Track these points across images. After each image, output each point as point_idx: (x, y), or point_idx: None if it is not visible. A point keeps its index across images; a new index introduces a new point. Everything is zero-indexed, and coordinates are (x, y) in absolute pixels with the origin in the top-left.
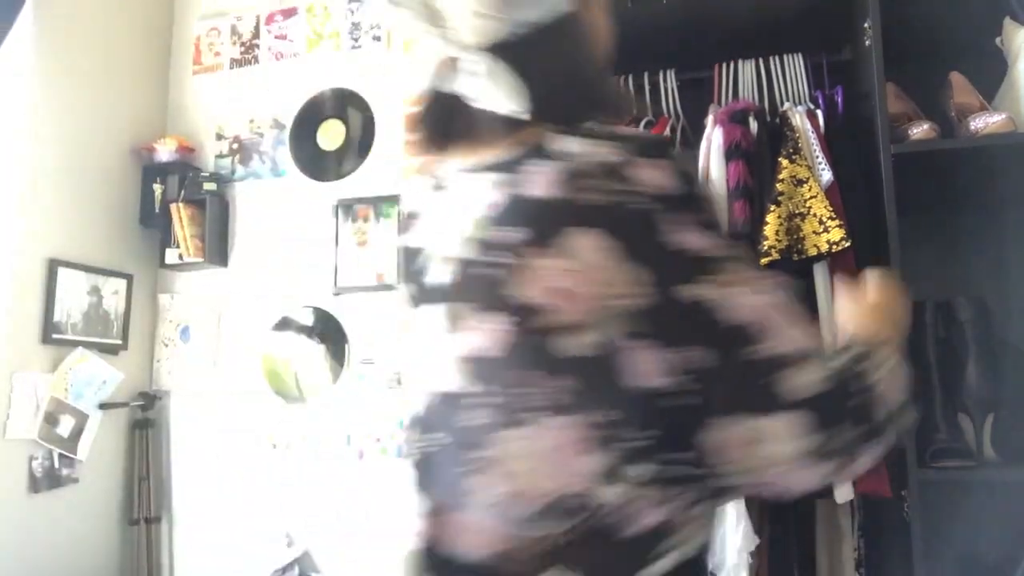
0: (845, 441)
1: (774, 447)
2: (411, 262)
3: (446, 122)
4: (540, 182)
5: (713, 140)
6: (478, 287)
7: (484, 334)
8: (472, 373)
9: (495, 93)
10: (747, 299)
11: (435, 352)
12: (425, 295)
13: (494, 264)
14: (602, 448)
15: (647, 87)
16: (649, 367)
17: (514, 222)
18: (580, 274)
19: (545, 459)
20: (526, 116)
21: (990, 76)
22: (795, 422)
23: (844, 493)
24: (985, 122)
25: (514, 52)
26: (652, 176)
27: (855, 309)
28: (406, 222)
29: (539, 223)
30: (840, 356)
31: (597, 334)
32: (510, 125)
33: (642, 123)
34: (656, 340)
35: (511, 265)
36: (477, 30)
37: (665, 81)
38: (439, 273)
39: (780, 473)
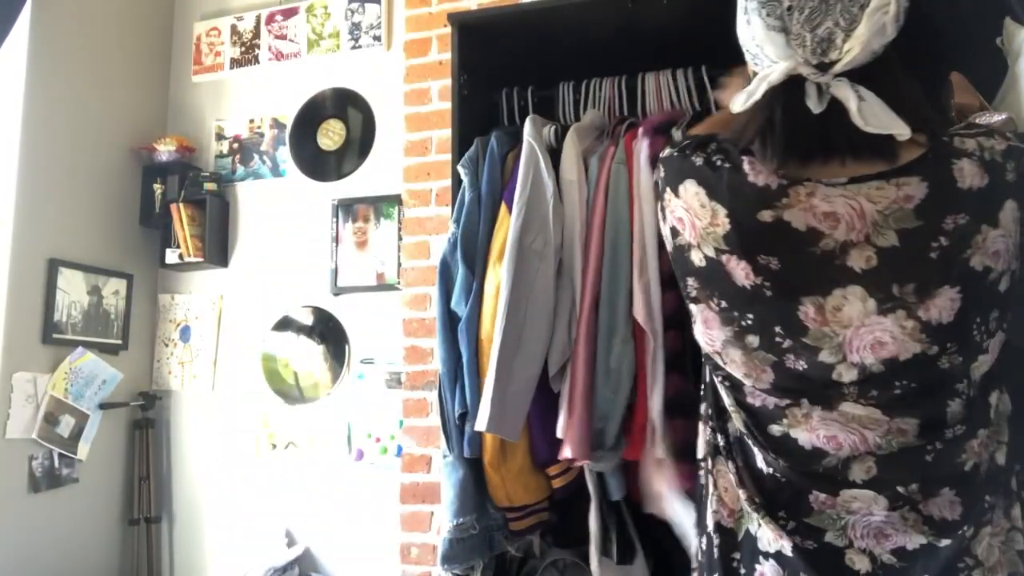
0: None
1: None
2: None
3: (817, 138)
4: (969, 173)
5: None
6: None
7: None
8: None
9: (876, 114)
10: None
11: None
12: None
13: (955, 243)
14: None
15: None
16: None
17: (955, 209)
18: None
19: None
20: (907, 134)
21: (990, 76)
22: None
23: None
24: (985, 122)
25: (866, 79)
26: None
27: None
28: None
29: (979, 207)
30: None
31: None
32: (890, 140)
33: (625, 123)
34: None
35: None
36: (861, 57)
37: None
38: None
39: None
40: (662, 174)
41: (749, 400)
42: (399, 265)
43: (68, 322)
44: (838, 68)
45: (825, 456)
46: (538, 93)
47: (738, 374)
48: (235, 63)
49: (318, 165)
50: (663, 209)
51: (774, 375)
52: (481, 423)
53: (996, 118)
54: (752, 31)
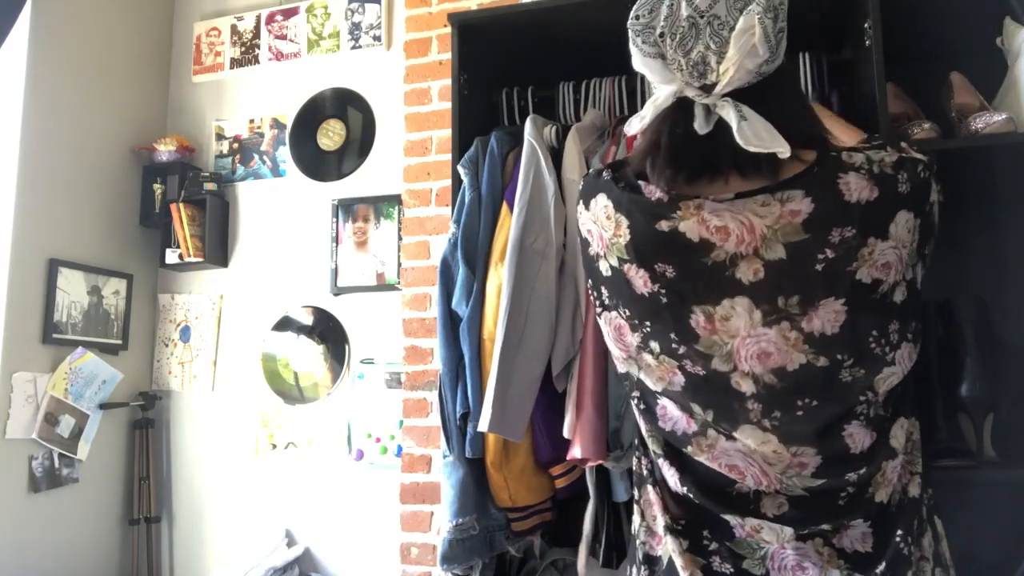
0: None
1: None
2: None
3: (701, 158)
4: (856, 187)
5: None
6: (825, 275)
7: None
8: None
9: (756, 132)
10: None
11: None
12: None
13: (840, 256)
14: None
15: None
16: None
17: (842, 223)
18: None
19: None
20: (787, 152)
21: (990, 76)
22: None
23: None
24: (985, 122)
25: (752, 99)
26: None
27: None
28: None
29: (867, 220)
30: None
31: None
32: (772, 158)
33: (626, 123)
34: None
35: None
36: (740, 76)
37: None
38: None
39: None
40: (579, 190)
41: (661, 424)
42: (399, 265)
43: (68, 322)
44: (719, 89)
45: (733, 483)
46: (538, 93)
47: (651, 380)
48: (235, 63)
49: (318, 165)
50: (579, 223)
51: (683, 378)
52: (484, 423)
53: (996, 118)
54: (634, 59)
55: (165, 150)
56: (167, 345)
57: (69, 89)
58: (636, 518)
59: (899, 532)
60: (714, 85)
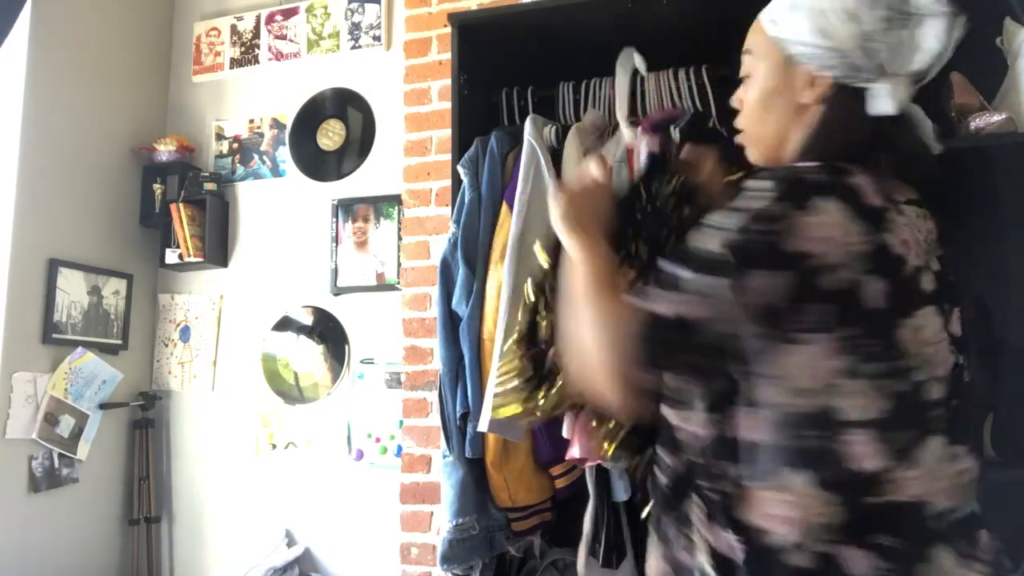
0: None
1: None
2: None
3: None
4: None
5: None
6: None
7: None
8: None
9: (928, 131)
10: None
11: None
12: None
13: None
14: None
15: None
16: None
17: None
18: None
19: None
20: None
21: (990, 76)
22: None
23: None
24: (985, 122)
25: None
26: None
27: None
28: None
29: None
30: None
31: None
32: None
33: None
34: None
35: None
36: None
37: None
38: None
39: None
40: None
41: (843, 457)
42: (399, 265)
43: (68, 322)
44: (922, 78)
45: (921, 508)
46: (538, 93)
47: (853, 407)
48: (235, 63)
49: (318, 165)
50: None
51: (881, 403)
52: (484, 424)
53: (996, 117)
54: (937, 35)
55: (165, 150)
56: (167, 345)
57: (69, 89)
58: None
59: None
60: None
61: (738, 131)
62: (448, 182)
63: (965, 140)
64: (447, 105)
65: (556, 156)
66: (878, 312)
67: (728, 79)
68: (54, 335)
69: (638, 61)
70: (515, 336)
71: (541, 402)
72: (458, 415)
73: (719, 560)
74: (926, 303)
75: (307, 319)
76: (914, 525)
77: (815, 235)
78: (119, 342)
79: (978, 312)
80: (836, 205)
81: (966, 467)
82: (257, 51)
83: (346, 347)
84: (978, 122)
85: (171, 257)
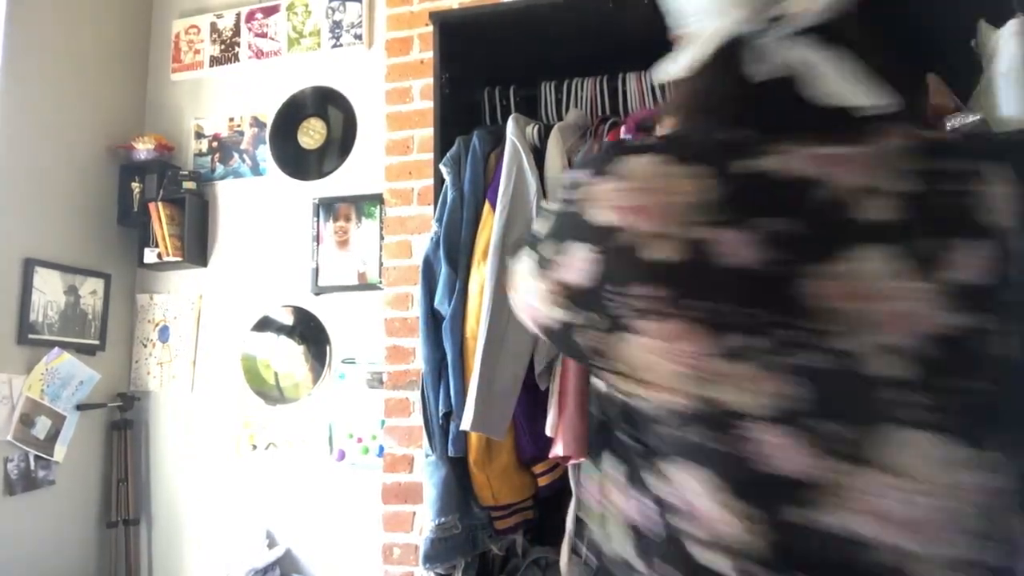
0: None
1: None
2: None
3: (773, 113)
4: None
5: None
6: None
7: None
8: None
9: (841, 78)
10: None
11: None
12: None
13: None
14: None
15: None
16: (738, 248)
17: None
18: None
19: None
20: (887, 110)
21: (965, 78)
22: None
23: None
24: (960, 123)
25: (839, 38)
26: None
27: None
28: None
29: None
30: None
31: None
32: (866, 121)
33: (608, 122)
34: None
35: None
36: (812, 10)
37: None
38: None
39: None
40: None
41: (750, 456)
42: (381, 264)
43: (44, 322)
44: (796, 22)
45: (865, 549)
46: (520, 92)
47: (741, 398)
48: (215, 61)
49: (299, 164)
50: None
51: (794, 388)
52: (467, 422)
53: (970, 119)
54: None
55: (143, 148)
56: (145, 345)
57: (45, 86)
58: None
59: None
60: (777, 19)
61: None
62: (430, 181)
63: None
64: (429, 104)
65: (539, 155)
66: (749, 271)
67: None
68: (30, 335)
69: None
70: None
71: None
72: (440, 414)
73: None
74: (866, 239)
75: (288, 319)
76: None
77: (619, 202)
78: (96, 342)
79: None
80: (651, 158)
81: (980, 482)
82: (237, 49)
83: (327, 347)
84: (953, 123)
85: (149, 257)
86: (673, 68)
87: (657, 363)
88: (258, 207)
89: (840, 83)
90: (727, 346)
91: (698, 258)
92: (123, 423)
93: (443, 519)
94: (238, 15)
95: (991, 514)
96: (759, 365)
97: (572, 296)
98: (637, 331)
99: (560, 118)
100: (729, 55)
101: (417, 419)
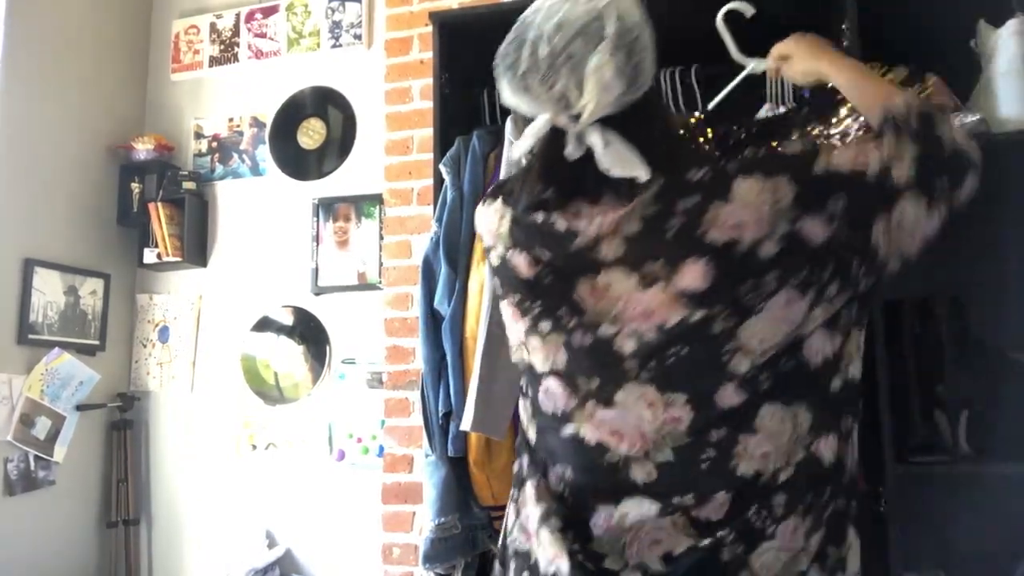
0: (945, 185)
1: (909, 218)
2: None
3: (573, 181)
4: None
5: None
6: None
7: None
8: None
9: (620, 159)
10: (841, 152)
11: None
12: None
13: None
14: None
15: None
16: (521, 264)
17: (683, 195)
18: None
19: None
20: (644, 176)
21: (964, 77)
22: (912, 197)
23: None
24: (959, 122)
25: (620, 125)
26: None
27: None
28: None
29: (708, 190)
30: (901, 131)
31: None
32: (623, 184)
33: None
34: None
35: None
36: (601, 108)
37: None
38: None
39: (917, 234)
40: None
41: (544, 408)
42: (381, 264)
43: (44, 323)
44: (584, 119)
45: (607, 451)
46: None
47: (539, 361)
48: (214, 61)
49: (298, 164)
50: (475, 225)
51: (567, 353)
52: (466, 423)
53: (970, 119)
54: (504, 94)
55: (143, 149)
56: (145, 346)
57: (45, 87)
58: (511, 517)
59: (755, 506)
60: (581, 115)
61: None
62: (430, 181)
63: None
64: (428, 104)
65: None
66: (534, 278)
67: (717, 79)
68: (30, 336)
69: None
70: None
71: None
72: (440, 414)
73: None
74: (607, 267)
75: (287, 319)
76: (596, 463)
77: (480, 223)
78: (96, 343)
79: (954, 311)
80: (496, 202)
81: (676, 415)
82: (237, 49)
83: (327, 347)
84: (952, 123)
85: (149, 257)
86: (516, 150)
87: (511, 330)
88: (258, 207)
89: (612, 161)
90: (529, 325)
91: (507, 265)
92: (123, 423)
93: (443, 519)
94: (238, 15)
95: (676, 434)
96: (542, 339)
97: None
98: (506, 307)
99: None
100: (552, 140)
101: (417, 419)
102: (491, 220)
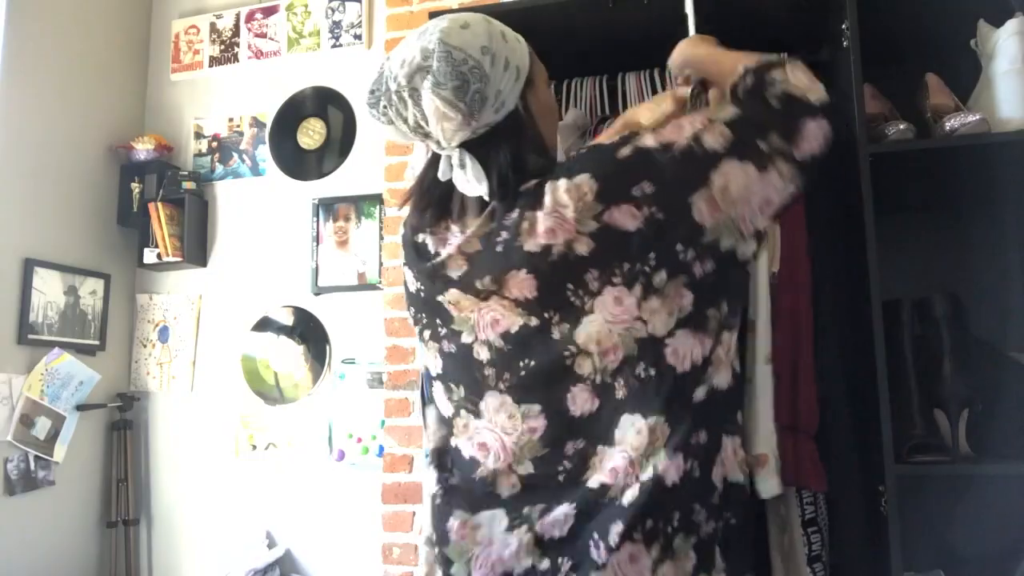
0: (776, 142)
1: (736, 184)
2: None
3: (441, 201)
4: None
5: None
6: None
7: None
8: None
9: (470, 180)
10: (656, 133)
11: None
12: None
13: (511, 237)
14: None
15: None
16: (409, 278)
17: (505, 210)
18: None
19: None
20: (486, 196)
21: (965, 77)
22: (734, 161)
23: (770, 488)
24: (960, 123)
25: (478, 147)
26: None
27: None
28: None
29: (523, 203)
30: (729, 97)
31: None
32: (483, 203)
33: (606, 122)
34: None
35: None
36: (450, 135)
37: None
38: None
39: (754, 199)
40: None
41: (437, 411)
42: (381, 264)
43: (44, 323)
44: (444, 145)
45: (479, 465)
46: None
47: (430, 366)
48: (214, 61)
49: (298, 164)
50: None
51: (441, 360)
52: None
53: (970, 118)
54: (379, 127)
55: (143, 149)
56: (145, 346)
57: (45, 87)
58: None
59: (594, 531)
60: (439, 143)
61: None
62: None
63: (940, 140)
64: None
65: None
66: (416, 292)
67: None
68: (30, 336)
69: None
70: None
71: None
72: None
73: None
74: (453, 284)
75: (287, 319)
76: (471, 476)
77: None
78: (96, 343)
79: (953, 309)
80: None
81: (533, 426)
82: (236, 49)
83: (327, 347)
84: (953, 123)
85: (149, 257)
86: (408, 173)
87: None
88: (258, 207)
89: (462, 182)
90: (418, 333)
91: (405, 280)
92: (123, 423)
93: None
94: (237, 15)
95: (533, 445)
96: (427, 347)
97: None
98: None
99: (559, 118)
100: (430, 165)
101: (417, 419)
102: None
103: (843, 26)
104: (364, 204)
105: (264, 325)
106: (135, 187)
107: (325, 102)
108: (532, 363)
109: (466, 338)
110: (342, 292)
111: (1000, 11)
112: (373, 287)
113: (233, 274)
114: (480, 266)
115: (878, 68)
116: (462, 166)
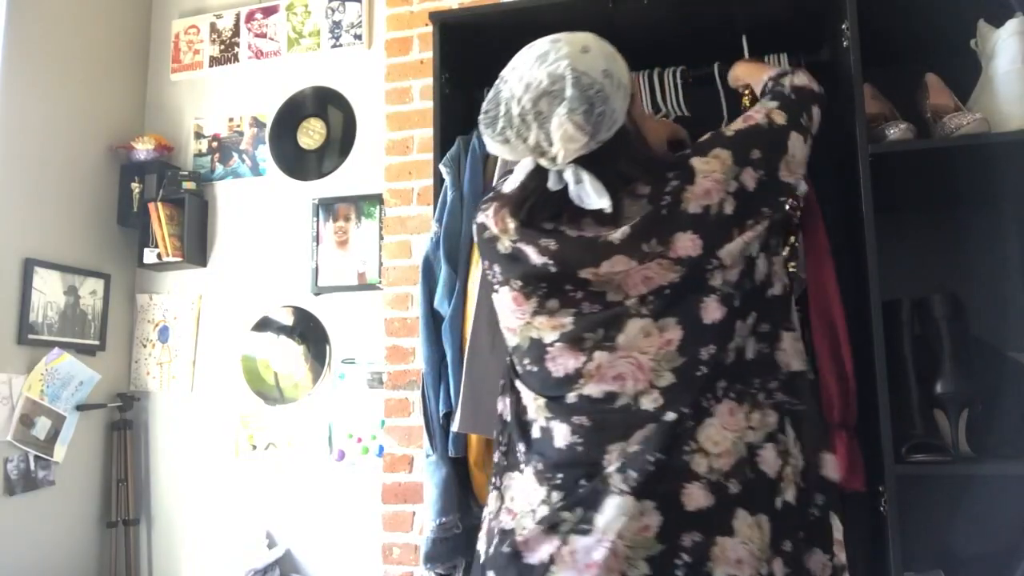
0: (807, 119)
1: (799, 151)
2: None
3: (555, 209)
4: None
5: None
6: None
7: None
8: None
9: (590, 194)
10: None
11: None
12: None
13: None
14: None
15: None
16: (530, 255)
17: (664, 184)
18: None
19: None
20: (609, 208)
21: (965, 77)
22: (794, 134)
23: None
24: (960, 122)
25: (592, 163)
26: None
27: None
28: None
29: (679, 174)
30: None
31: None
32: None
33: None
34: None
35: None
36: (571, 154)
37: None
38: None
39: (804, 162)
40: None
41: (553, 373)
42: (381, 264)
43: (44, 322)
44: (559, 163)
45: (616, 397)
46: None
47: (546, 333)
48: (214, 61)
49: (298, 164)
50: (476, 218)
51: (574, 319)
52: (456, 424)
53: (970, 118)
54: (487, 143)
55: (143, 149)
56: (145, 346)
57: (45, 87)
58: (494, 503)
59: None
60: (556, 158)
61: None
62: (430, 181)
63: (940, 140)
64: (429, 104)
65: None
66: (535, 267)
67: (705, 80)
68: (30, 336)
69: None
70: None
71: None
72: (440, 414)
73: None
74: (613, 252)
75: (287, 319)
76: (608, 409)
77: (482, 220)
78: (96, 343)
79: (953, 309)
80: (502, 207)
81: (669, 338)
82: (237, 49)
83: (327, 347)
84: (953, 122)
85: (149, 257)
86: (508, 183)
87: (510, 319)
88: (258, 207)
89: (581, 196)
90: (536, 306)
91: (517, 254)
92: (123, 423)
93: (444, 519)
94: (237, 15)
95: (666, 354)
96: (551, 315)
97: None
98: (498, 293)
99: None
100: (536, 175)
101: (417, 419)
102: (496, 218)
103: (843, 26)
104: (364, 204)
105: (264, 325)
106: (135, 187)
107: (325, 102)
108: (677, 283)
109: (613, 296)
110: (342, 292)
111: (1000, 11)
112: (373, 287)
113: (233, 274)
114: (642, 233)
115: (878, 68)
116: (578, 181)
